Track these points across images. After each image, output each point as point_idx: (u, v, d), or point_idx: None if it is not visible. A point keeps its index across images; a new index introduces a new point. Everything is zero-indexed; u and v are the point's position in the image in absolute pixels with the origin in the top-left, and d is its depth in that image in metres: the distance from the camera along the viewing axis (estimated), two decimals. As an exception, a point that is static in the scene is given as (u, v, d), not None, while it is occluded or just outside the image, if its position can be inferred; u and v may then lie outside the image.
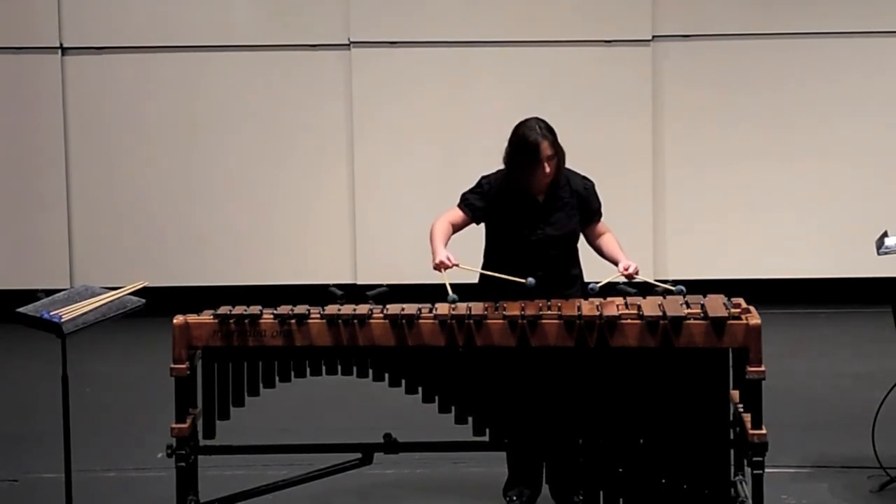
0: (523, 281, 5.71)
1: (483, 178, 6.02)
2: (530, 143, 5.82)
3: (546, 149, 5.82)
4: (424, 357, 5.38)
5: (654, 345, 5.29)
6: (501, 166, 6.02)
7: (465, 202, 5.99)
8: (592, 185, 6.02)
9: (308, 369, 5.43)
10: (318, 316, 5.40)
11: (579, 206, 5.95)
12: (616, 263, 5.87)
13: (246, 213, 10.18)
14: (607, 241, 5.99)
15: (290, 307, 5.44)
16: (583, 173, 6.05)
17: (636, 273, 5.78)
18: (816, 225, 10.08)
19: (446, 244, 5.87)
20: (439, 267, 5.76)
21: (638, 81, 10.02)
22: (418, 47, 10.05)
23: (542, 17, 10.00)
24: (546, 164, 5.82)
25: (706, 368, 5.30)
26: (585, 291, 5.80)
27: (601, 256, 6.00)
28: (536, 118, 5.93)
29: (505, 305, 5.45)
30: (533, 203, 5.91)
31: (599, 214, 6.02)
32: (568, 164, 6.01)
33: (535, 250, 5.87)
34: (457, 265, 5.76)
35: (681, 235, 10.14)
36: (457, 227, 5.98)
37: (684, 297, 5.50)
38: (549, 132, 5.87)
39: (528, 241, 5.88)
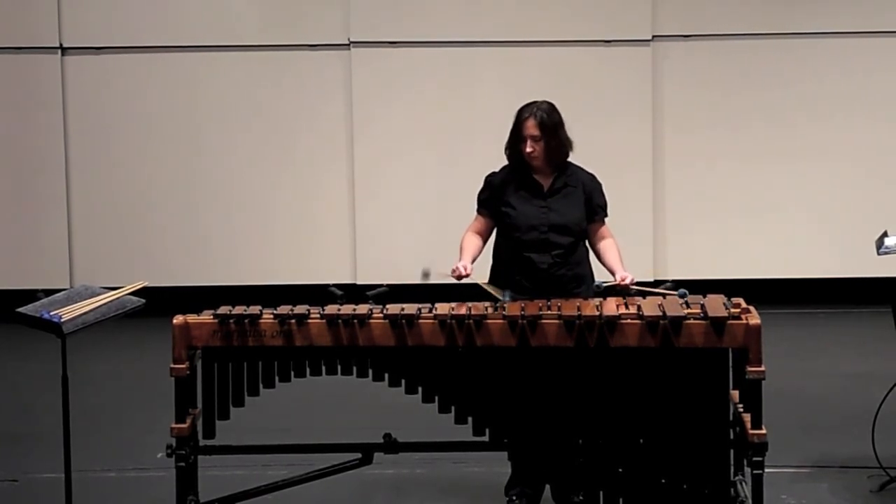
0: (501, 295, 5.73)
1: (487, 175, 6.04)
2: (518, 117, 5.92)
3: (531, 127, 5.86)
4: (424, 357, 5.38)
5: (654, 345, 5.29)
6: (500, 167, 6.07)
7: (478, 202, 6.03)
8: (600, 183, 6.03)
9: (308, 369, 5.42)
10: (318, 316, 5.39)
11: (585, 199, 5.96)
12: (613, 273, 5.88)
13: (246, 213, 10.19)
14: (608, 248, 5.99)
15: (290, 307, 5.44)
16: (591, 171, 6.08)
17: (632, 284, 5.79)
18: (816, 225, 10.09)
19: (476, 253, 5.95)
20: (453, 273, 5.81)
21: (638, 81, 10.03)
22: (418, 47, 10.06)
23: (542, 17, 10.01)
24: (529, 142, 5.85)
25: (706, 368, 5.30)
26: (593, 290, 5.83)
27: (600, 261, 6.00)
28: (547, 101, 5.96)
29: (505, 305, 5.45)
30: (537, 189, 5.93)
31: (604, 212, 6.01)
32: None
33: (540, 237, 5.87)
34: (468, 275, 5.81)
35: (681, 235, 10.15)
36: (483, 233, 6.04)
37: (685, 299, 5.50)
38: (548, 115, 5.88)
39: (532, 228, 5.87)
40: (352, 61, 10.05)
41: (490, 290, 5.75)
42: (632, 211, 9.69)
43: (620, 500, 5.40)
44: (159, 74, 10.12)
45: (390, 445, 5.60)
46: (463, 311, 5.37)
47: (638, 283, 5.82)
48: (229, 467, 6.34)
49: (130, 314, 5.61)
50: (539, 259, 5.87)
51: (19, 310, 5.50)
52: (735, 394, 5.47)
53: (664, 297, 5.56)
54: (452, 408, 5.40)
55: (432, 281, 5.81)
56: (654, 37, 10.02)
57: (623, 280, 5.81)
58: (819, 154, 10.07)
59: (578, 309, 5.36)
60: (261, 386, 5.43)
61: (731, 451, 5.49)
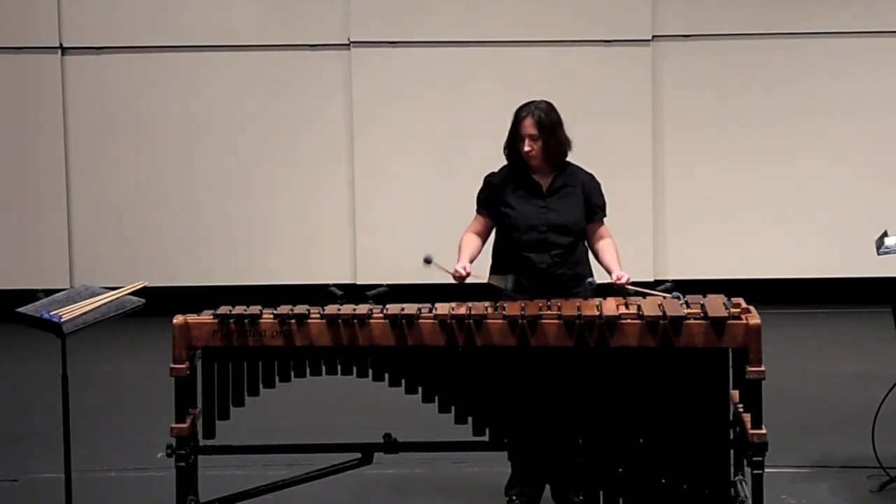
0: (503, 282, 5.75)
1: (487, 175, 6.04)
2: (517, 117, 5.92)
3: (528, 126, 5.86)
4: (424, 357, 5.38)
5: (654, 345, 5.29)
6: (500, 167, 6.06)
7: (477, 202, 6.03)
8: (599, 183, 6.03)
9: (308, 369, 5.42)
10: (318, 316, 5.39)
11: (584, 198, 5.96)
12: (610, 272, 5.88)
13: (246, 213, 10.19)
14: (606, 247, 5.99)
15: (290, 307, 5.44)
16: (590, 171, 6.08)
17: (628, 283, 5.79)
18: (816, 225, 10.09)
19: (475, 253, 5.95)
20: (454, 276, 5.81)
21: (637, 81, 10.03)
22: (418, 47, 10.05)
23: (542, 17, 10.01)
24: (526, 141, 5.85)
25: (706, 368, 5.30)
26: (586, 286, 5.83)
27: (598, 261, 6.00)
28: (545, 101, 5.96)
29: (505, 305, 5.45)
30: (536, 189, 5.93)
31: (602, 212, 6.01)
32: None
33: (539, 237, 5.87)
34: (469, 274, 5.81)
35: (681, 235, 10.15)
36: (482, 233, 6.04)
37: (683, 300, 5.50)
38: (546, 114, 5.88)
39: (531, 228, 5.87)
40: (352, 61, 10.05)
41: (493, 280, 5.77)
42: (632, 211, 9.69)
43: (620, 500, 5.40)
44: (159, 74, 10.11)
45: (390, 445, 5.60)
46: (463, 311, 5.37)
47: (636, 284, 5.82)
48: (229, 467, 6.34)
49: (130, 314, 5.61)
50: (538, 259, 5.88)
51: (19, 310, 5.50)
52: (735, 394, 5.47)
53: (663, 298, 5.56)
54: (452, 408, 5.40)
55: (433, 268, 5.78)
56: (654, 37, 10.02)
57: (619, 279, 5.80)
58: (819, 154, 10.07)
59: (578, 309, 5.36)
60: (261, 386, 5.43)
61: (731, 451, 5.49)
